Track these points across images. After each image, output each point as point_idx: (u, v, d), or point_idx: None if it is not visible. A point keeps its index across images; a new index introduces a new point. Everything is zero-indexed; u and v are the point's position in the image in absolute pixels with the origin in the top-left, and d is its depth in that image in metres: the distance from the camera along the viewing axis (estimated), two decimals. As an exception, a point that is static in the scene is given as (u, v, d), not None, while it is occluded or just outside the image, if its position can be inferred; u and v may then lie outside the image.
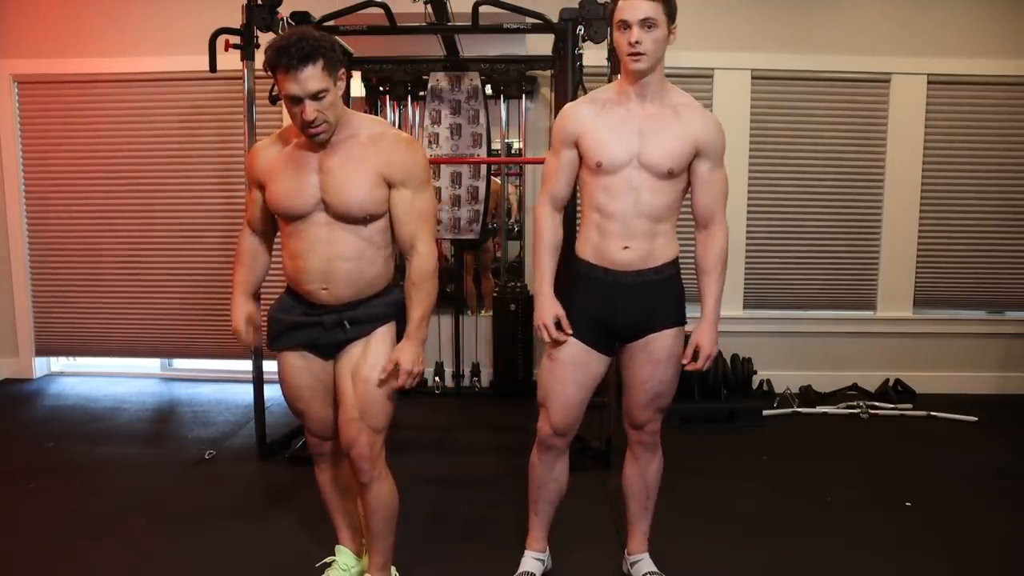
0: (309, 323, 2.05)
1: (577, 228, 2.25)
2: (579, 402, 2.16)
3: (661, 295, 2.11)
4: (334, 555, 2.30)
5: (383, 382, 2.00)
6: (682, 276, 2.18)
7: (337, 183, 1.94)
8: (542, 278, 2.14)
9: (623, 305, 2.09)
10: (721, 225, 2.13)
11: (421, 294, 2.02)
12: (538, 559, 2.34)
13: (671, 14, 1.96)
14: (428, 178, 2.05)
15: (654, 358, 2.12)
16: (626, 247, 2.06)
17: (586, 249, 2.12)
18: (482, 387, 4.42)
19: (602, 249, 2.08)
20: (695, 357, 2.09)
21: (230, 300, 2.25)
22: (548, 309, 2.10)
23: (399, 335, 2.07)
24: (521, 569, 2.31)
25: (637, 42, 1.93)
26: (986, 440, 3.71)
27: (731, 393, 4.04)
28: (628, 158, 2.02)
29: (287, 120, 4.15)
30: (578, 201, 2.18)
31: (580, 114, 2.09)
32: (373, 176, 1.96)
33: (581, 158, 2.09)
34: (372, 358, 2.02)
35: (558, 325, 2.10)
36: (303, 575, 2.36)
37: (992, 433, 3.79)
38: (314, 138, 1.93)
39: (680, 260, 2.17)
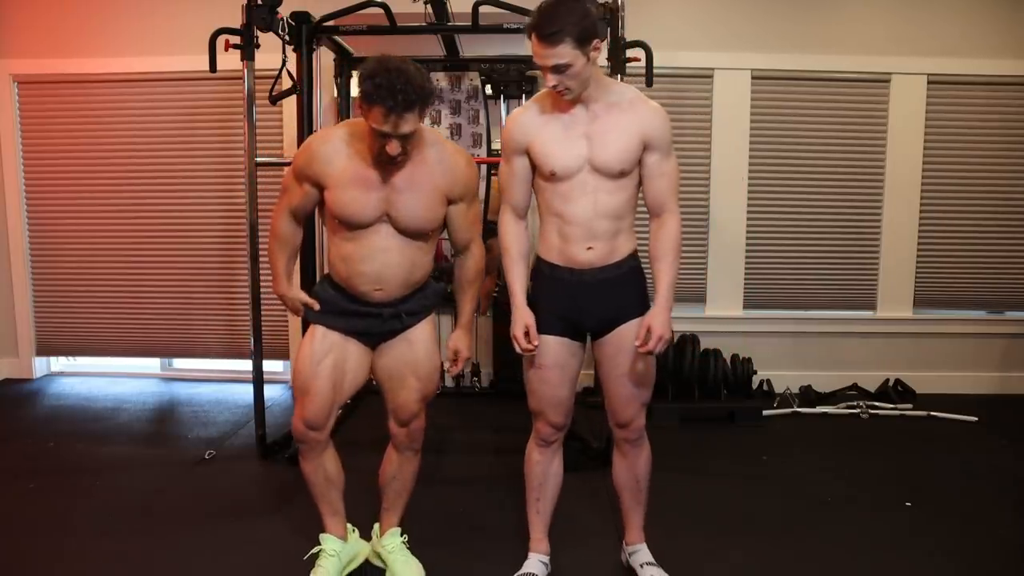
0: (367, 313, 2.15)
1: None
2: (571, 397, 2.22)
3: (625, 288, 2.15)
4: (319, 544, 2.33)
5: (448, 370, 2.28)
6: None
7: (406, 202, 2.05)
8: (514, 289, 2.16)
9: (589, 303, 2.12)
10: (673, 214, 2.13)
11: (474, 290, 2.29)
12: (543, 562, 2.33)
13: (584, 38, 1.92)
14: (478, 187, 2.24)
15: (626, 348, 2.14)
16: (589, 247, 2.10)
17: (549, 251, 2.15)
18: (482, 387, 4.42)
19: (565, 251, 2.11)
20: (647, 339, 2.06)
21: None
22: (520, 320, 2.13)
23: None
24: (524, 570, 2.31)
25: (555, 85, 1.97)
26: (986, 440, 3.71)
27: (731, 393, 4.04)
28: (580, 164, 2.05)
29: (288, 121, 4.19)
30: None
31: (526, 123, 2.11)
32: (439, 196, 2.11)
33: (533, 165, 2.11)
34: (426, 344, 2.23)
35: (528, 335, 2.14)
36: (302, 575, 2.36)
37: (992, 433, 3.79)
38: (388, 163, 2.00)
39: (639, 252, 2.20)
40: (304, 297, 2.24)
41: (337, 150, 2.07)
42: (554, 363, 2.15)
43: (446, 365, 2.27)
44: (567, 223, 2.09)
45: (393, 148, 1.94)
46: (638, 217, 2.17)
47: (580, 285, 2.11)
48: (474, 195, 2.20)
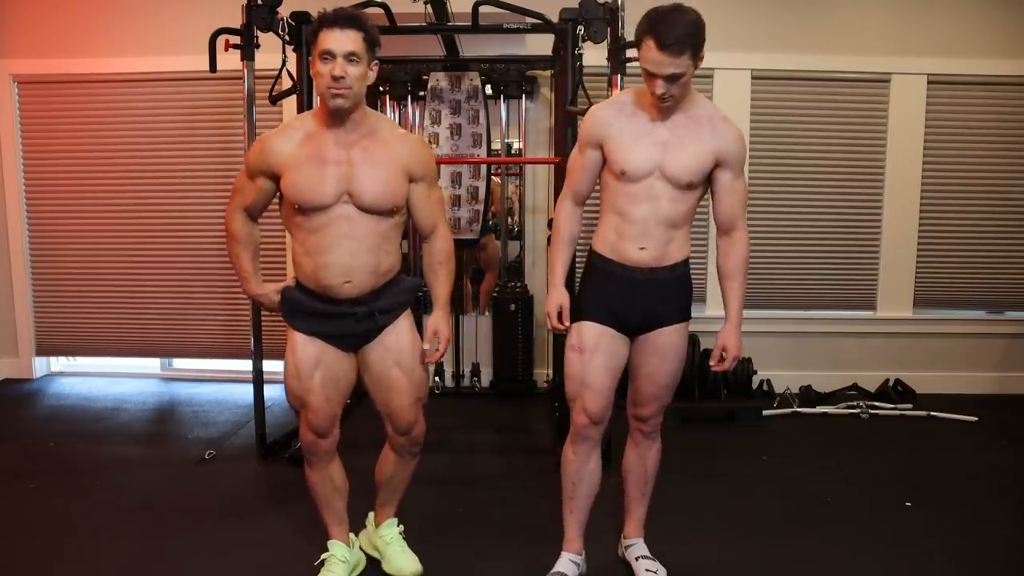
0: (340, 314, 2.11)
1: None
2: (611, 388, 2.20)
3: (672, 291, 2.18)
4: (327, 551, 2.33)
5: (429, 354, 2.21)
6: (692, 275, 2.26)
7: (368, 175, 2.04)
8: (555, 269, 2.22)
9: (636, 299, 2.14)
10: (743, 231, 2.19)
11: (446, 270, 2.25)
12: (574, 561, 2.33)
13: (697, 50, 1.94)
14: (437, 171, 2.28)
15: (661, 351, 2.18)
16: (643, 248, 2.12)
17: (603, 246, 2.18)
18: (482, 387, 4.42)
19: (619, 248, 2.14)
20: (722, 359, 2.17)
21: (241, 290, 2.35)
22: (554, 299, 2.19)
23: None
24: (555, 569, 2.31)
25: (662, 93, 1.97)
26: (986, 440, 3.71)
27: (731, 393, 4.04)
28: (651, 168, 2.07)
29: (287, 120, 4.16)
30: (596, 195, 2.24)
31: (606, 119, 2.13)
32: (400, 170, 2.09)
33: (604, 160, 2.13)
34: (408, 343, 2.19)
35: (560, 316, 2.19)
36: (302, 575, 2.36)
37: (992, 433, 3.79)
38: (333, 101, 1.99)
39: (691, 260, 2.25)
40: (275, 288, 2.23)
41: (289, 138, 2.08)
42: (595, 347, 2.16)
43: (428, 348, 2.20)
44: (625, 221, 2.11)
45: (337, 68, 1.94)
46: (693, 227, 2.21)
47: (630, 282, 2.14)
48: (434, 178, 2.21)
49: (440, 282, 2.25)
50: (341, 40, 1.95)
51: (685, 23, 1.91)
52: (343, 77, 1.95)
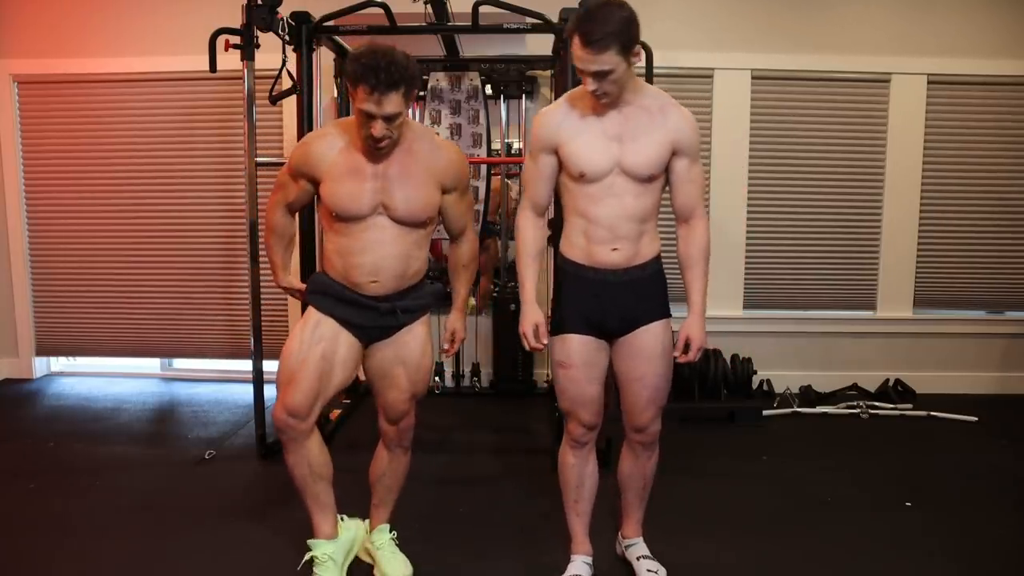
0: (365, 304, 2.15)
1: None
2: (600, 395, 2.20)
3: (648, 290, 2.15)
4: (310, 550, 2.26)
5: (445, 351, 2.35)
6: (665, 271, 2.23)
7: (404, 191, 2.08)
8: (526, 286, 2.18)
9: (612, 303, 2.12)
10: (702, 219, 2.16)
11: (469, 272, 2.37)
12: (587, 563, 2.32)
13: (628, 46, 1.91)
14: (469, 178, 2.35)
15: (646, 352, 2.15)
16: (615, 249, 2.09)
17: (573, 251, 2.15)
18: (482, 387, 4.42)
19: (590, 252, 2.11)
20: (686, 349, 2.14)
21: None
22: (529, 317, 2.15)
23: None
24: (571, 572, 2.30)
25: (595, 90, 1.96)
26: (986, 440, 3.71)
27: (731, 393, 4.04)
28: (610, 166, 2.05)
29: (288, 121, 4.19)
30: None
31: (557, 121, 2.09)
32: (433, 183, 2.15)
33: (561, 164, 2.11)
34: (419, 347, 2.25)
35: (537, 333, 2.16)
36: (302, 575, 2.36)
37: (992, 433, 3.79)
38: (375, 150, 2.04)
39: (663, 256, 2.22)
40: (300, 283, 2.34)
41: (331, 145, 2.11)
42: (581, 361, 2.15)
43: (444, 346, 2.34)
44: (592, 224, 2.08)
45: (377, 129, 1.96)
46: (661, 220, 2.18)
47: (603, 285, 2.11)
48: (466, 186, 2.27)
49: (462, 283, 2.36)
50: (383, 105, 1.94)
51: (613, 20, 1.88)
52: (383, 136, 1.99)
